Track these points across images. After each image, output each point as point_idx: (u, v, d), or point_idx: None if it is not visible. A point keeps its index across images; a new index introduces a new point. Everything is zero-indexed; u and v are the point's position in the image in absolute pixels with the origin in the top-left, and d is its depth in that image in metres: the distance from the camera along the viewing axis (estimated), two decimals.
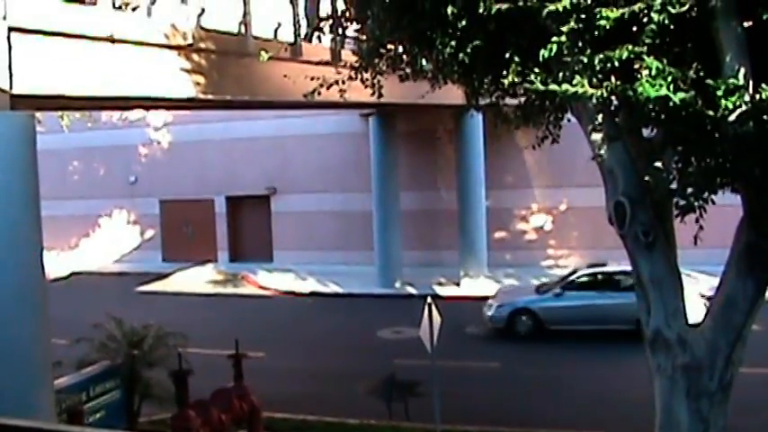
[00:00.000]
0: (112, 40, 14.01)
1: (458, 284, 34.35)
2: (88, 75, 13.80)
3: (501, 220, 37.94)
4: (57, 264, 38.64)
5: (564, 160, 32.24)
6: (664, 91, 8.36)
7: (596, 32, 8.71)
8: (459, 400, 19.45)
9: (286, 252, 41.01)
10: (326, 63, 18.29)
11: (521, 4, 9.21)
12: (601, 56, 8.74)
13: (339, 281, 35.93)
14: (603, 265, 27.84)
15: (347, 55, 19.20)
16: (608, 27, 8.57)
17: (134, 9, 16.56)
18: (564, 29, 8.80)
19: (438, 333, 16.72)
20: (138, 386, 18.07)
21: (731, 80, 8.40)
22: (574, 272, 28.25)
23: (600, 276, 27.13)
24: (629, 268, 25.76)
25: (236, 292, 36.77)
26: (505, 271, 36.21)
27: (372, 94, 13.99)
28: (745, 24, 8.73)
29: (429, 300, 16.99)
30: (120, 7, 15.52)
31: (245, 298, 35.77)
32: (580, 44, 8.94)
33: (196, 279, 39.51)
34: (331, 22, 14.61)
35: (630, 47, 8.58)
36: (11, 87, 12.02)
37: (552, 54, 8.96)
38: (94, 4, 14.12)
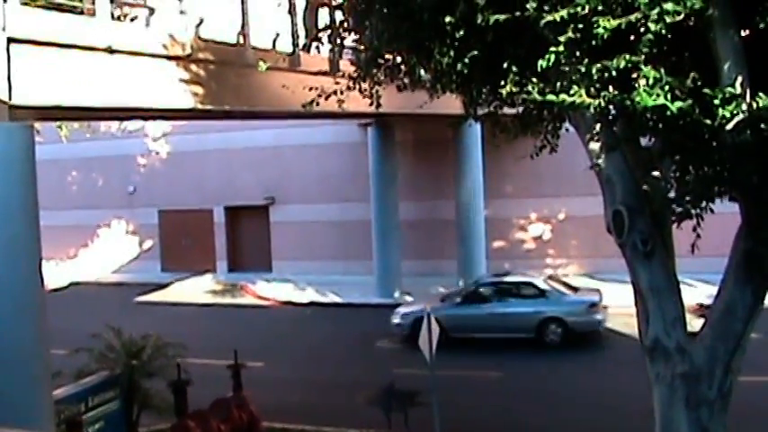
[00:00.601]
0: (111, 51, 14.04)
1: None
2: (87, 85, 13.83)
3: (500, 229, 37.97)
4: (55, 274, 38.64)
5: (562, 169, 32.26)
6: (661, 100, 8.37)
7: (594, 42, 8.72)
8: (459, 409, 19.46)
9: (285, 262, 41.03)
10: (325, 73, 18.34)
11: (518, 14, 9.24)
12: (598, 65, 8.76)
13: (338, 291, 35.92)
14: (506, 274, 28.99)
15: (345, 65, 19.25)
16: (605, 37, 8.58)
17: (132, 20, 16.65)
18: (561, 39, 8.81)
19: (437, 343, 16.73)
20: (137, 396, 18.05)
21: (728, 89, 8.42)
22: (477, 281, 28.81)
23: (501, 286, 27.79)
24: (528, 279, 27.67)
25: (235, 303, 36.74)
26: None
27: (371, 104, 14.01)
28: (743, 33, 8.76)
29: (428, 309, 17.00)
30: (118, 18, 15.58)
31: (243, 308, 35.75)
32: (578, 54, 8.96)
33: (195, 289, 39.51)
34: (329, 32, 14.65)
35: (628, 56, 8.59)
36: (10, 98, 12.06)
37: (550, 64, 8.98)
38: (93, 15, 14.15)
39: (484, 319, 26.75)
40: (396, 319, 27.93)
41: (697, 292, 24.66)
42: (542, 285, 27.10)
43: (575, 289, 27.83)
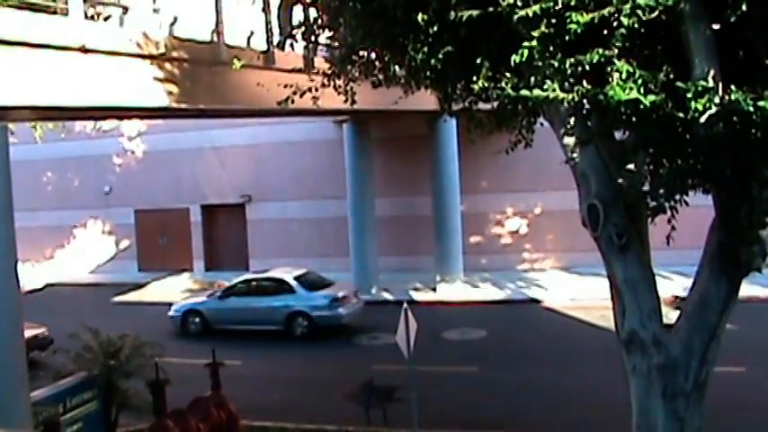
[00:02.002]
0: (85, 50, 13.98)
1: (434, 290, 34.44)
2: (60, 85, 13.76)
3: (476, 224, 38.05)
4: (31, 275, 38.51)
5: (538, 164, 32.38)
6: (634, 94, 8.42)
7: (567, 37, 8.74)
8: (436, 404, 19.53)
9: (262, 260, 40.91)
10: (299, 71, 18.31)
11: (491, 9, 9.26)
12: (572, 60, 8.79)
13: None
14: (266, 271, 31.35)
15: (320, 62, 19.22)
16: (578, 31, 8.61)
17: (106, 19, 16.57)
18: (535, 33, 8.84)
19: (414, 338, 16.76)
20: (116, 397, 18.00)
21: (701, 82, 8.46)
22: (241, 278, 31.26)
23: (256, 282, 30.38)
24: (279, 275, 29.82)
25: None
26: (481, 275, 36.34)
27: (346, 100, 14.01)
28: (714, 27, 8.81)
29: (405, 305, 17.04)
30: (92, 17, 15.49)
31: None
32: (551, 48, 8.98)
33: (172, 289, 39.36)
34: (303, 29, 14.63)
35: (601, 50, 8.63)
36: None
37: (523, 59, 9.00)
38: (66, 14, 14.08)
39: (241, 312, 29.22)
40: (170, 312, 30.29)
41: (673, 285, 24.88)
42: (291, 282, 29.28)
43: (328, 285, 29.74)
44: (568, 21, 8.63)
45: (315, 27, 14.19)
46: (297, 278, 29.55)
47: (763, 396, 19.29)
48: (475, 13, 9.39)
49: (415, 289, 34.76)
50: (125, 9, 16.37)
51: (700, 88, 8.39)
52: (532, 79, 9.41)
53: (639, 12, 8.34)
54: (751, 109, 8.19)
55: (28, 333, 22.58)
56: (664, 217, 10.02)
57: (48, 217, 44.14)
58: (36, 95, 13.40)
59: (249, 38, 19.64)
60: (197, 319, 29.80)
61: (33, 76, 13.14)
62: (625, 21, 8.40)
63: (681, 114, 8.52)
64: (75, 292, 40.33)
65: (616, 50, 8.63)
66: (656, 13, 8.36)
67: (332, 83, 13.95)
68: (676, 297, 22.81)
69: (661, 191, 9.81)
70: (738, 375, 19.72)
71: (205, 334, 28.91)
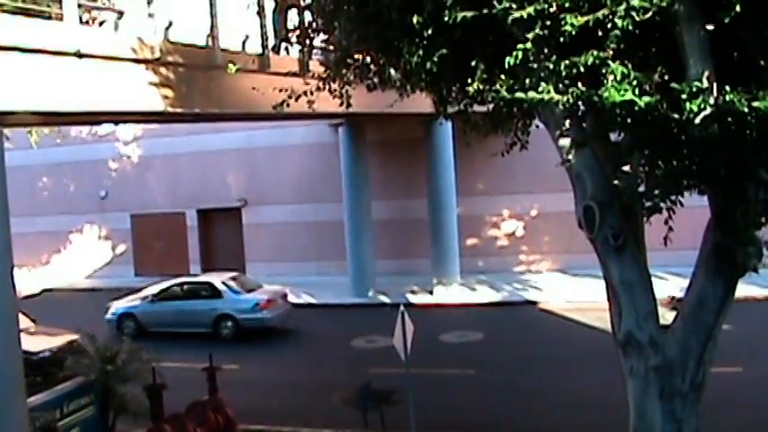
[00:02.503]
0: (80, 55, 13.99)
1: (431, 292, 34.43)
2: (55, 90, 13.77)
3: (473, 227, 38.06)
4: (28, 281, 38.43)
5: (534, 166, 32.33)
6: (629, 95, 8.43)
7: (561, 39, 8.76)
8: (433, 407, 19.52)
9: (259, 264, 40.96)
10: (295, 74, 18.25)
11: (486, 11, 9.27)
12: (566, 62, 8.80)
13: (312, 291, 35.88)
14: (196, 275, 32.96)
15: (315, 66, 19.23)
16: (573, 33, 8.63)
17: (101, 24, 16.58)
18: (529, 35, 8.86)
19: (411, 341, 16.75)
20: (113, 402, 17.97)
21: (695, 83, 8.48)
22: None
23: (186, 286, 31.30)
24: (207, 279, 31.06)
25: None
26: (478, 278, 36.34)
27: (341, 104, 14.02)
28: (708, 28, 8.82)
29: (402, 308, 17.03)
30: (87, 22, 15.50)
31: None
32: (546, 50, 9.00)
33: None
34: (298, 33, 14.64)
35: (595, 52, 8.64)
36: None
37: (518, 61, 9.01)
38: (61, 19, 14.09)
39: (172, 315, 30.08)
40: (107, 316, 31.32)
41: (669, 285, 24.83)
42: (218, 285, 30.13)
43: (256, 288, 30.86)
44: (563, 23, 8.65)
45: (310, 31, 14.21)
46: (225, 282, 30.26)
47: (761, 396, 19.30)
48: (469, 14, 9.40)
49: (412, 292, 34.76)
50: (120, 14, 16.40)
51: (694, 89, 8.41)
52: (527, 81, 9.42)
53: (633, 13, 8.35)
54: (746, 109, 8.21)
55: (63, 339, 22.72)
56: (660, 218, 10.04)
57: (44, 222, 44.13)
58: (31, 100, 13.40)
59: (244, 42, 19.66)
60: (131, 323, 30.58)
61: (28, 82, 13.14)
62: (619, 22, 8.42)
63: (676, 115, 8.53)
64: (71, 297, 40.26)
65: (611, 52, 8.64)
66: (650, 14, 8.38)
67: (327, 86, 13.97)
68: (673, 298, 22.63)
69: (656, 192, 9.83)
70: (735, 376, 19.74)
71: (140, 336, 28.77)
